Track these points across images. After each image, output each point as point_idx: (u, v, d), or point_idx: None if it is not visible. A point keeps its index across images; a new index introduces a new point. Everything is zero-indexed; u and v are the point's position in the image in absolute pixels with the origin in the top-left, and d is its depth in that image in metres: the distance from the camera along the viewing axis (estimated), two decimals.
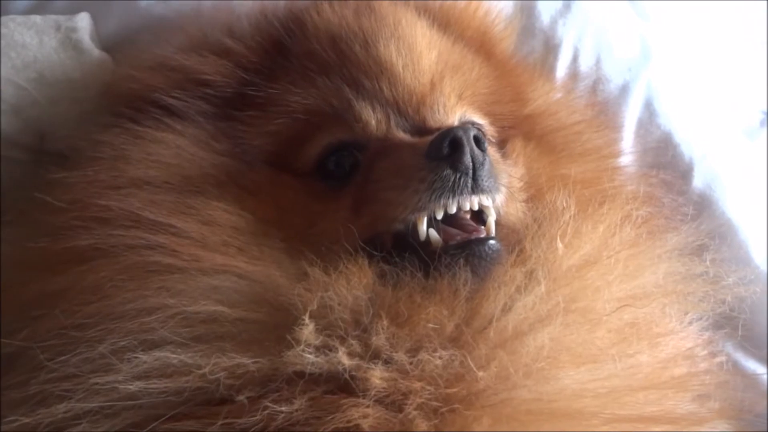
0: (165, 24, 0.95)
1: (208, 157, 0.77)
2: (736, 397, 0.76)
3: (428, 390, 0.59)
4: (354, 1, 0.87)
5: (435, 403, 0.59)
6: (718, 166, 1.06)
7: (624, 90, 1.08)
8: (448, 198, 0.68)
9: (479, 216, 0.72)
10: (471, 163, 0.68)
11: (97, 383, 0.60)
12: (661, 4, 1.23)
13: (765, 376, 0.94)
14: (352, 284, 0.64)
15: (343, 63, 0.80)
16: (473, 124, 0.81)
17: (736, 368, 0.91)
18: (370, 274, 0.66)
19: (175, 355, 0.60)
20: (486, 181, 0.69)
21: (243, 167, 0.77)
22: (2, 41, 0.84)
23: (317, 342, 0.61)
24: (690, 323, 0.77)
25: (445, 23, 0.91)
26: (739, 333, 0.84)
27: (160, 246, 0.67)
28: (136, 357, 0.61)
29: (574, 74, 1.08)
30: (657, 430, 0.63)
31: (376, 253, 0.68)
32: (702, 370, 0.73)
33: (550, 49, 1.08)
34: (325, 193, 0.75)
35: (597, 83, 1.08)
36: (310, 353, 0.60)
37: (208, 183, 0.74)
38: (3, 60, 0.84)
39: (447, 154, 0.68)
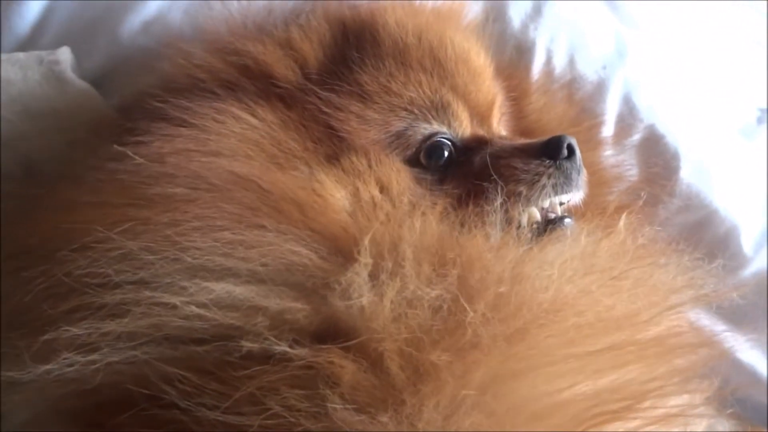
0: (148, 53, 0.96)
1: (295, 138, 0.80)
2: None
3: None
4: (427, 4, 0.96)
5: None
6: (705, 158, 1.06)
7: (600, 87, 1.08)
8: (567, 191, 0.82)
9: None
10: (579, 164, 0.83)
11: (158, 302, 0.62)
12: (648, 5, 1.22)
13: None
14: (418, 229, 0.69)
15: (436, 63, 0.87)
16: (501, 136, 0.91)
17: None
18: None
19: (237, 288, 0.63)
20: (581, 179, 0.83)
21: (338, 149, 0.80)
22: None
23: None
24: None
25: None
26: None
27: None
28: (206, 284, 0.63)
29: (548, 75, 1.08)
30: None
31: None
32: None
33: (522, 52, 1.09)
34: (426, 180, 0.82)
35: (572, 82, 1.08)
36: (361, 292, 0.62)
37: (298, 159, 0.77)
38: None
39: (566, 156, 0.81)
